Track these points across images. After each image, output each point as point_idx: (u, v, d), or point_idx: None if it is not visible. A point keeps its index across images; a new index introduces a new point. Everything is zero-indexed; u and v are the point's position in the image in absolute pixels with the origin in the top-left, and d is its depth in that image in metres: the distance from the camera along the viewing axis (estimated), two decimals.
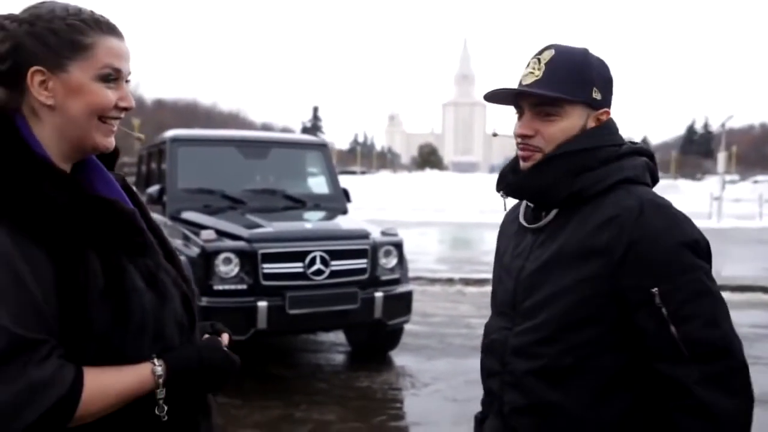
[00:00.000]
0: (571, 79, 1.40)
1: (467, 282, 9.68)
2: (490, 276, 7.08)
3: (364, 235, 5.41)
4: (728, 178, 33.47)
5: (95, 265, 1.12)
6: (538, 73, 1.41)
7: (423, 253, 12.43)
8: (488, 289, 6.81)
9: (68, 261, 1.09)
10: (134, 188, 1.35)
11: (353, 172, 59.02)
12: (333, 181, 6.63)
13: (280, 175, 6.63)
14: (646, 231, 1.31)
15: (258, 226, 5.26)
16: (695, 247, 1.34)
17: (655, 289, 1.30)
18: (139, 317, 1.15)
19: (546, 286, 1.40)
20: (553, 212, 1.46)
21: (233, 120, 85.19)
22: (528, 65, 1.45)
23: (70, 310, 1.09)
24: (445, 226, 19.59)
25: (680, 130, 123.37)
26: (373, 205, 21.64)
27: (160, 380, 1.15)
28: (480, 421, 1.69)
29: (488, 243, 15.71)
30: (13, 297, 1.03)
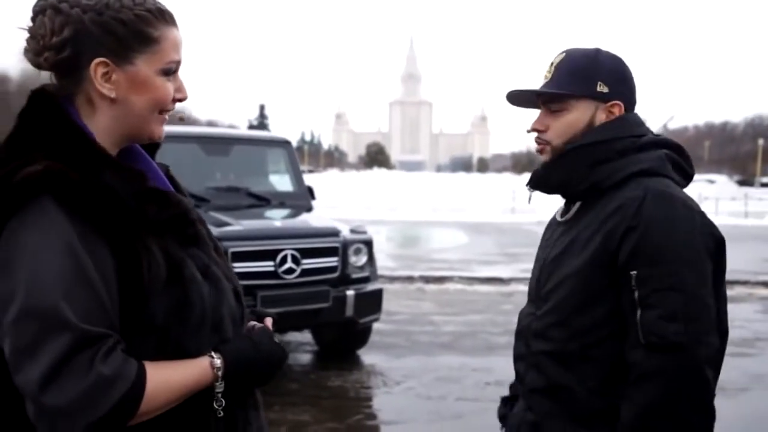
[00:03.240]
0: (574, 76, 1.48)
1: (427, 280, 9.71)
2: (448, 273, 7.17)
3: (334, 233, 5.35)
4: None
5: (158, 255, 1.08)
6: (549, 76, 1.52)
7: (378, 251, 12.36)
8: (447, 286, 6.95)
9: (131, 252, 1.05)
10: (173, 175, 1.31)
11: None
12: (297, 179, 6.54)
13: (243, 172, 6.50)
14: (643, 218, 1.35)
15: (226, 224, 5.14)
16: (689, 238, 1.35)
17: (633, 272, 1.34)
18: (199, 309, 1.12)
19: (559, 272, 1.48)
20: (577, 205, 1.53)
21: (177, 117, 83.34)
22: (545, 70, 1.55)
23: (131, 302, 1.06)
24: (397, 224, 19.64)
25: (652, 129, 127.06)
26: (324, 203, 21.53)
27: (219, 373, 1.12)
28: (505, 400, 1.73)
29: (442, 241, 15.83)
30: (78, 291, 1.00)
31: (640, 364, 1.32)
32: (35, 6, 1.11)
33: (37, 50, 1.10)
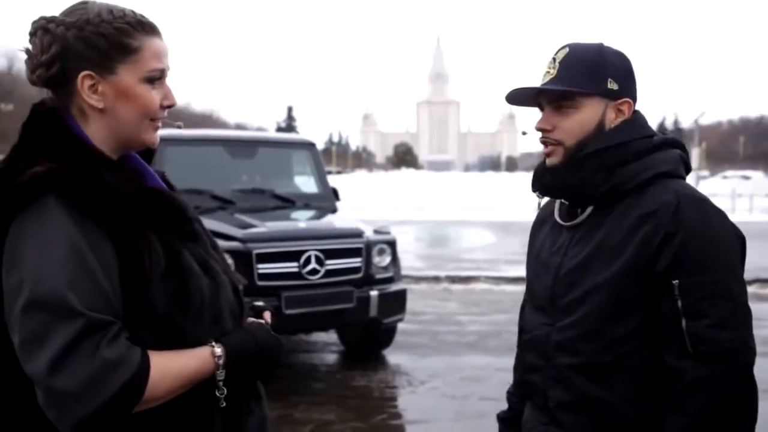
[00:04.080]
0: (583, 73, 1.42)
1: (453, 280, 9.70)
2: (474, 273, 7.09)
3: (358, 234, 5.39)
4: (701, 173, 34.05)
5: (157, 246, 1.14)
6: (553, 72, 1.44)
7: (405, 252, 12.39)
8: (473, 286, 6.86)
9: (131, 243, 1.11)
10: (169, 179, 1.37)
11: (329, 172, 58.88)
12: (322, 180, 6.59)
13: (268, 174, 6.58)
14: (683, 224, 1.33)
15: (251, 226, 5.21)
16: (728, 244, 1.35)
17: (675, 281, 1.31)
18: (198, 300, 1.17)
19: (585, 282, 1.41)
20: (589, 209, 1.47)
21: (207, 120, 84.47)
22: (546, 66, 1.48)
23: (132, 292, 1.10)
24: (424, 224, 19.63)
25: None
26: (351, 204, 21.62)
27: (220, 362, 1.16)
28: (505, 420, 1.69)
29: (469, 241, 15.79)
30: (82, 281, 1.05)
31: (691, 374, 1.30)
32: (30, 28, 1.20)
33: (31, 68, 1.18)
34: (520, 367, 1.63)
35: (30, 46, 1.19)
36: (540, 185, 1.51)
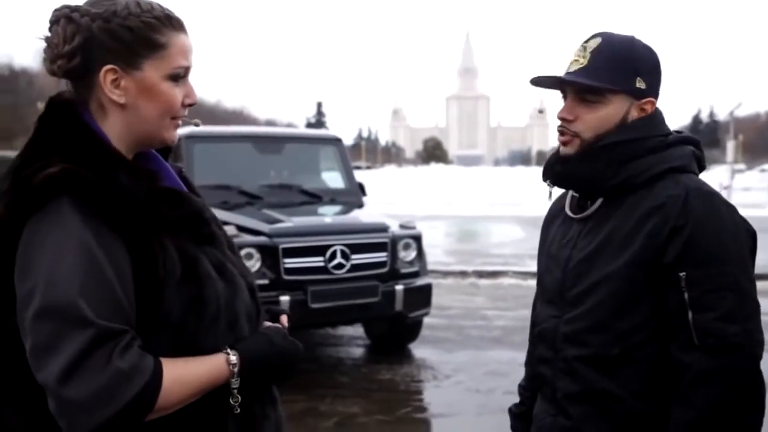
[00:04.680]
0: (614, 69, 1.41)
1: (480, 274, 9.68)
2: (502, 268, 7.04)
3: (383, 229, 5.42)
4: (736, 167, 33.34)
5: (172, 252, 1.12)
6: (583, 61, 1.42)
7: (433, 246, 12.41)
8: (501, 281, 6.85)
9: (146, 249, 1.08)
10: (187, 177, 1.34)
11: (358, 167, 58.90)
12: (348, 175, 6.63)
13: (295, 170, 6.64)
14: (691, 217, 1.33)
15: (278, 221, 5.28)
16: (737, 237, 1.35)
17: (683, 273, 1.31)
18: (214, 305, 1.14)
19: (592, 274, 1.42)
20: (599, 202, 1.47)
21: (237, 117, 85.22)
22: (574, 53, 1.46)
23: (147, 298, 1.08)
24: (453, 219, 19.59)
25: (685, 120, 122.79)
26: (381, 199, 21.65)
27: (235, 369, 1.13)
28: (517, 415, 1.70)
29: (497, 236, 15.71)
30: (95, 288, 1.03)
31: (697, 366, 1.30)
32: (51, 16, 1.16)
33: (51, 58, 1.15)
34: (531, 361, 1.64)
35: (50, 35, 1.15)
36: (551, 174, 1.51)
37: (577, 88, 1.43)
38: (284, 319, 1.34)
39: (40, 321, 1.01)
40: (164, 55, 1.15)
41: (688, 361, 1.32)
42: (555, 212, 1.65)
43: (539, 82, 1.50)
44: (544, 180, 1.55)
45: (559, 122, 1.49)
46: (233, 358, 1.14)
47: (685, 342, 1.32)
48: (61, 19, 1.14)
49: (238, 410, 1.16)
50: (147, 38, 1.14)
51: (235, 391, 1.14)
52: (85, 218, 1.05)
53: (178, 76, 1.18)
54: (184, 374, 1.09)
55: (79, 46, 1.13)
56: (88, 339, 1.00)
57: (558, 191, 1.61)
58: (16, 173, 1.10)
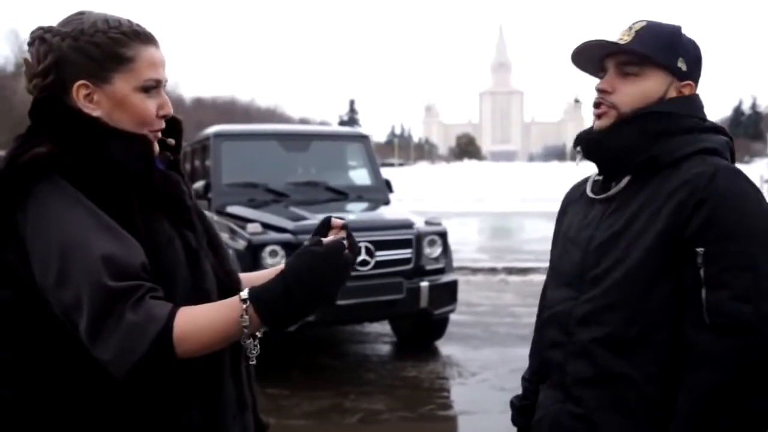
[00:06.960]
0: (658, 45, 1.41)
1: (510, 271, 9.62)
2: (533, 265, 6.97)
3: (408, 225, 5.41)
4: None
5: (155, 230, 1.19)
6: (627, 39, 1.42)
7: (464, 243, 12.38)
8: (531, 278, 6.75)
9: (131, 227, 1.15)
10: (183, 172, 1.36)
11: (391, 164, 59.06)
12: (375, 172, 6.63)
13: (322, 167, 6.67)
14: (716, 193, 1.30)
15: (303, 218, 5.30)
16: (761, 219, 1.31)
17: (701, 249, 1.28)
18: (182, 289, 1.19)
19: (615, 252, 1.39)
20: (625, 180, 1.44)
21: (271, 115, 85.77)
22: (619, 33, 1.46)
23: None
24: (485, 215, 19.48)
25: (726, 112, 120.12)
26: (413, 196, 21.64)
27: (245, 305, 1.11)
28: (519, 408, 1.65)
29: (529, 232, 15.58)
30: (106, 241, 1.10)
31: (706, 346, 1.26)
32: (29, 38, 1.24)
33: (29, 77, 1.23)
34: (536, 351, 1.61)
35: (27, 56, 1.23)
36: (584, 142, 1.49)
37: (618, 59, 1.43)
38: (338, 224, 1.28)
39: (63, 288, 1.09)
40: (133, 68, 1.20)
41: (696, 341, 1.28)
42: (572, 198, 1.63)
43: (579, 56, 1.48)
44: (575, 147, 1.53)
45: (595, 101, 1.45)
46: (244, 294, 1.12)
47: (695, 321, 1.28)
48: (35, 40, 1.21)
49: (254, 361, 1.21)
50: (114, 53, 1.19)
51: (245, 330, 1.12)
52: (76, 191, 1.13)
53: (149, 88, 1.22)
54: (199, 317, 1.12)
55: (51, 65, 1.19)
56: (101, 302, 1.07)
57: (582, 171, 1.56)
58: (14, 152, 1.16)
